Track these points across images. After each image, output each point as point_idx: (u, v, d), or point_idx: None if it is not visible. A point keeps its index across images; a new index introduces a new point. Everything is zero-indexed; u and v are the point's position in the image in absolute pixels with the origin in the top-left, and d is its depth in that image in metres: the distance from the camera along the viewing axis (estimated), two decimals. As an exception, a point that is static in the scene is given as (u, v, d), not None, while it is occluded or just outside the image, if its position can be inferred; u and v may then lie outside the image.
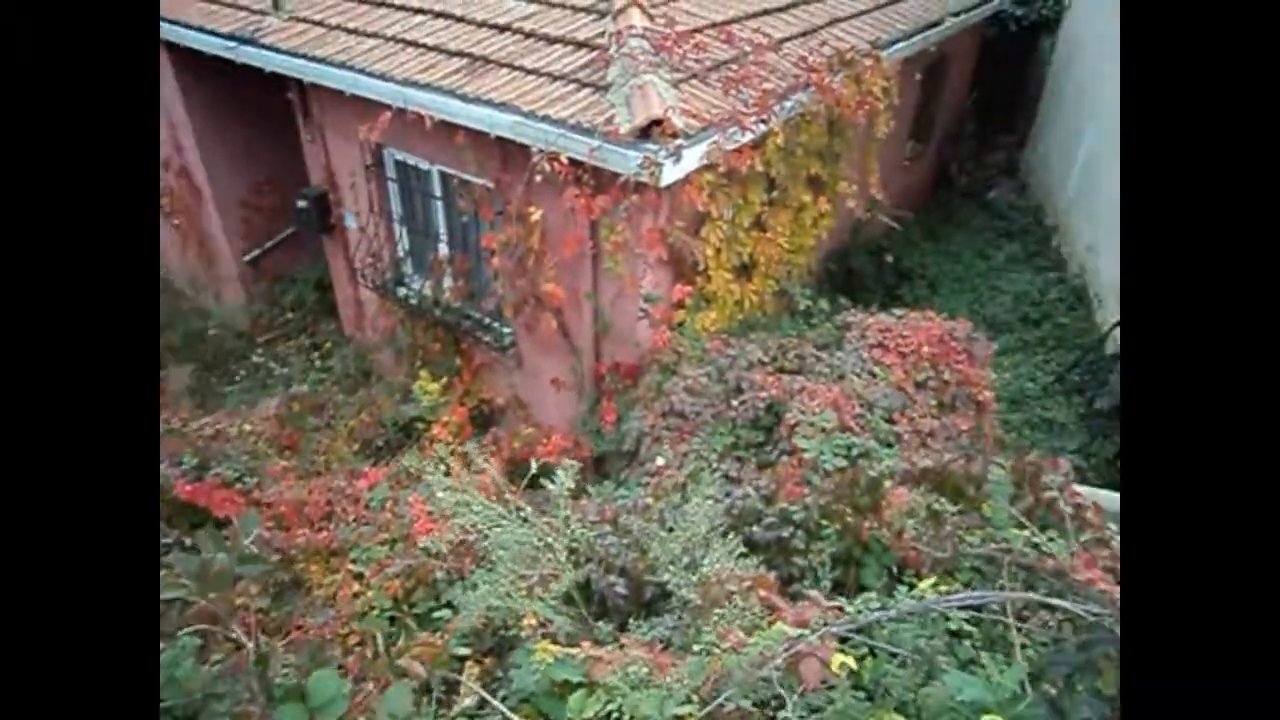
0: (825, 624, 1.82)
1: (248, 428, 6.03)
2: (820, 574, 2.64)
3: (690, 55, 4.78)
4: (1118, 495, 4.53)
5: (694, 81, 4.73)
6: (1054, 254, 8.39)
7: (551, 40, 5.04)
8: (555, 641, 2.21)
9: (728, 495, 3.14)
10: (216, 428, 5.90)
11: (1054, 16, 9.38)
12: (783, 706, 1.65)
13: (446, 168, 5.60)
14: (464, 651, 2.46)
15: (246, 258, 8.13)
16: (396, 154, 5.96)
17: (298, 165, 6.74)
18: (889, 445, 3.91)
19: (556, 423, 5.88)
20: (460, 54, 5.13)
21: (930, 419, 4.22)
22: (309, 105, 6.21)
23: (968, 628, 2.11)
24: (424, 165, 5.82)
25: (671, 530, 2.75)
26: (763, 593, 2.18)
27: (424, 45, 5.30)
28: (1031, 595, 2.22)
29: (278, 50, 5.71)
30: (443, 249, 6.13)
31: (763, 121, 4.76)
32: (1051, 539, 2.51)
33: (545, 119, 4.46)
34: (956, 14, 7.35)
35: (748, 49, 5.13)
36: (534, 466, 2.85)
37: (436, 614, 3.13)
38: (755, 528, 2.82)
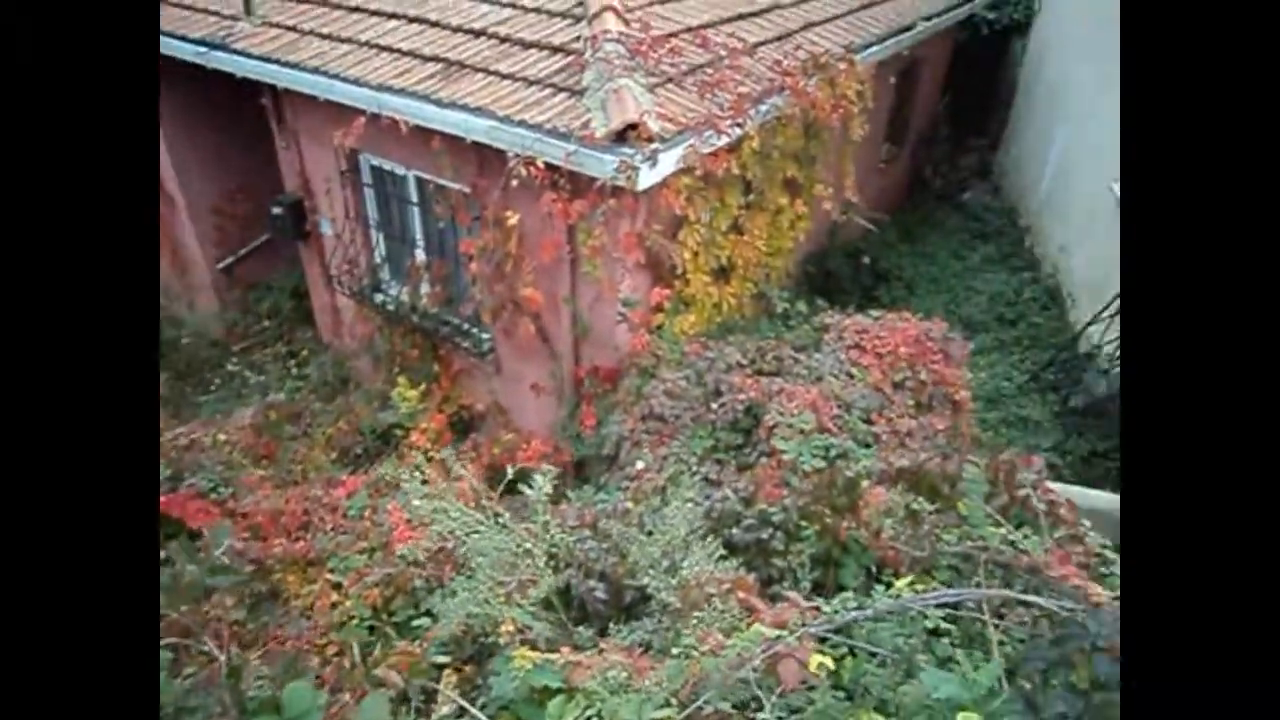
0: (803, 625, 1.83)
1: (223, 437, 5.94)
2: (799, 575, 2.64)
3: (665, 59, 4.79)
4: (1091, 491, 4.60)
5: (669, 86, 4.74)
6: (1027, 254, 8.50)
7: (527, 45, 5.03)
8: (534, 647, 2.20)
9: (707, 498, 3.14)
10: (191, 438, 5.81)
11: (1024, 20, 9.52)
12: (762, 708, 1.65)
13: (423, 173, 5.57)
14: (443, 660, 2.44)
15: (220, 265, 8.03)
16: (372, 159, 5.92)
17: (272, 171, 6.67)
18: (867, 446, 3.94)
19: (536, 428, 5.86)
20: (435, 59, 5.11)
21: (908, 419, 4.25)
22: (283, 111, 6.15)
23: (945, 626, 2.13)
24: (400, 170, 5.79)
25: (651, 534, 2.75)
26: (742, 595, 2.18)
27: (398, 50, 5.27)
28: (1007, 592, 2.24)
29: (249, 55, 5.65)
30: (420, 255, 6.09)
31: (738, 125, 4.78)
32: (1026, 536, 2.54)
33: (521, 123, 4.45)
34: (929, 18, 7.43)
35: (723, 53, 5.15)
36: (510, 472, 2.83)
37: (416, 622, 3.11)
38: (734, 530, 2.82)
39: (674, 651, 1.91)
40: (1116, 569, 2.64)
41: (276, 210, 6.54)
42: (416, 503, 2.56)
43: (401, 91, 4.92)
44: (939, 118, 9.53)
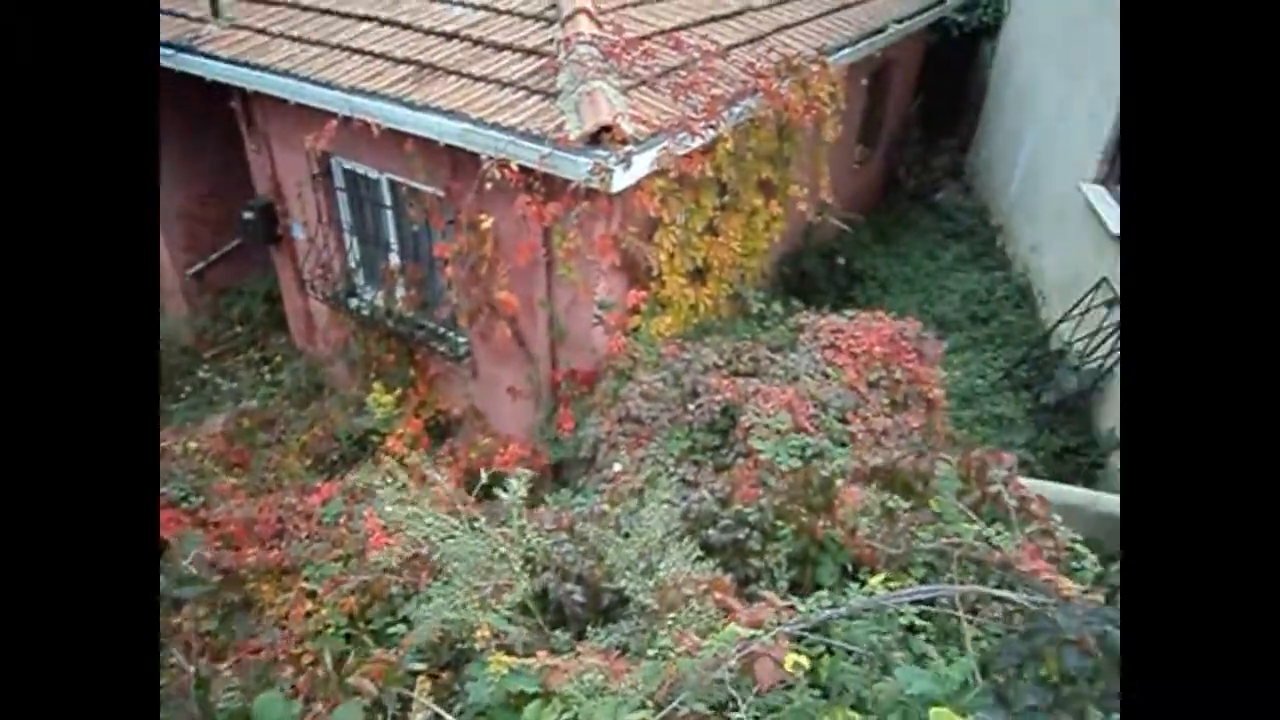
0: (779, 624, 1.83)
1: (194, 445, 5.85)
2: (777, 574, 2.65)
3: (639, 62, 4.80)
4: (1063, 487, 4.66)
5: (643, 88, 4.74)
6: (999, 254, 8.61)
7: (500, 47, 5.01)
8: (511, 652, 2.18)
9: (684, 499, 3.14)
10: (161, 446, 5.71)
11: (994, 23, 9.64)
12: (738, 709, 1.65)
13: (396, 176, 5.53)
14: (419, 666, 2.41)
15: (190, 271, 7.91)
16: (344, 163, 5.87)
17: (243, 175, 6.58)
18: (843, 445, 3.96)
19: (514, 431, 5.83)
20: (407, 61, 5.08)
21: (883, 418, 4.28)
22: (253, 114, 6.08)
23: (920, 622, 2.14)
24: (373, 174, 5.74)
25: (628, 536, 2.75)
26: (719, 595, 2.18)
27: (370, 53, 5.23)
28: (981, 588, 2.26)
29: (218, 58, 5.57)
30: (394, 258, 6.04)
31: (712, 127, 4.80)
32: (999, 531, 2.56)
33: (494, 126, 4.43)
34: (900, 21, 7.51)
35: (696, 55, 5.17)
36: (484, 476, 2.82)
37: (393, 629, 3.07)
38: (711, 531, 2.82)
39: (650, 653, 1.91)
40: (1086, 563, 2.68)
41: (247, 214, 6.45)
42: (389, 509, 2.54)
43: (374, 94, 4.88)
44: (911, 119, 9.62)
